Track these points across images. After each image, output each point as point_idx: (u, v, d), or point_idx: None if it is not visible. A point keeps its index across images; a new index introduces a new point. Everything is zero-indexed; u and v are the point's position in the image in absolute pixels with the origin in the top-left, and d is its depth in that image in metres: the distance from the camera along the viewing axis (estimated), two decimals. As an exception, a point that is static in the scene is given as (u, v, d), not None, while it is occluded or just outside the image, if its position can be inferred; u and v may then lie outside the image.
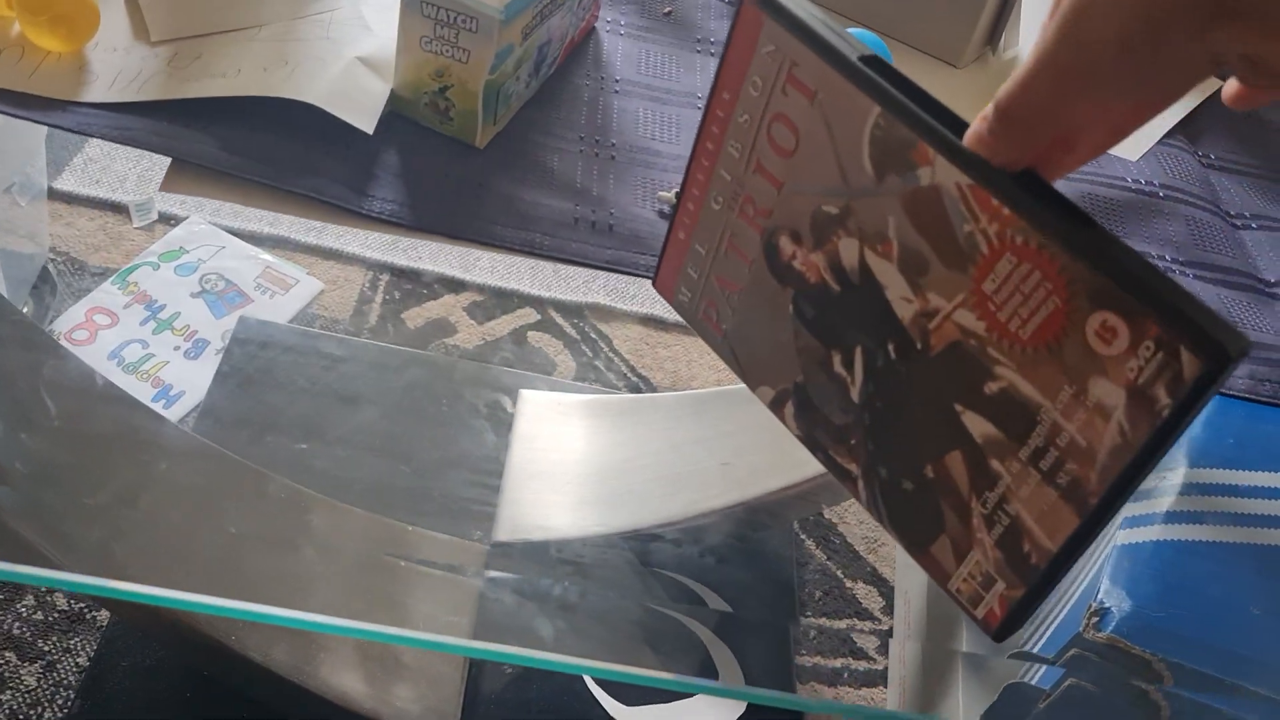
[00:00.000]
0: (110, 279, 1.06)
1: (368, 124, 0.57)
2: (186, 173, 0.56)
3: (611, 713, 1.05)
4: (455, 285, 1.18)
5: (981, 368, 0.41)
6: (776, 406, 0.49)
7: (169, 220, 1.12)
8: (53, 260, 1.06)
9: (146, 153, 0.56)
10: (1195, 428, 0.74)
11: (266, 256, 1.11)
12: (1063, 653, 0.75)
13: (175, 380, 1.01)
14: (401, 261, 1.17)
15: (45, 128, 0.57)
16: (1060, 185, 0.73)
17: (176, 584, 0.47)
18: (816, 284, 0.45)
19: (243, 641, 0.82)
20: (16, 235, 1.05)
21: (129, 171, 1.15)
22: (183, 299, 1.07)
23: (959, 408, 0.42)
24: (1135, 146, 0.72)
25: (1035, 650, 0.75)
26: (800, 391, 0.48)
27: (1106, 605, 0.66)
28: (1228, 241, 0.69)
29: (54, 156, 1.14)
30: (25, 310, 1.02)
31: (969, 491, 0.42)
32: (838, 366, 0.46)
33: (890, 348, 0.44)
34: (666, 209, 0.61)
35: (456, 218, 0.57)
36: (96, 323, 1.04)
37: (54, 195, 1.11)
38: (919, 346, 0.43)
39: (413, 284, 1.16)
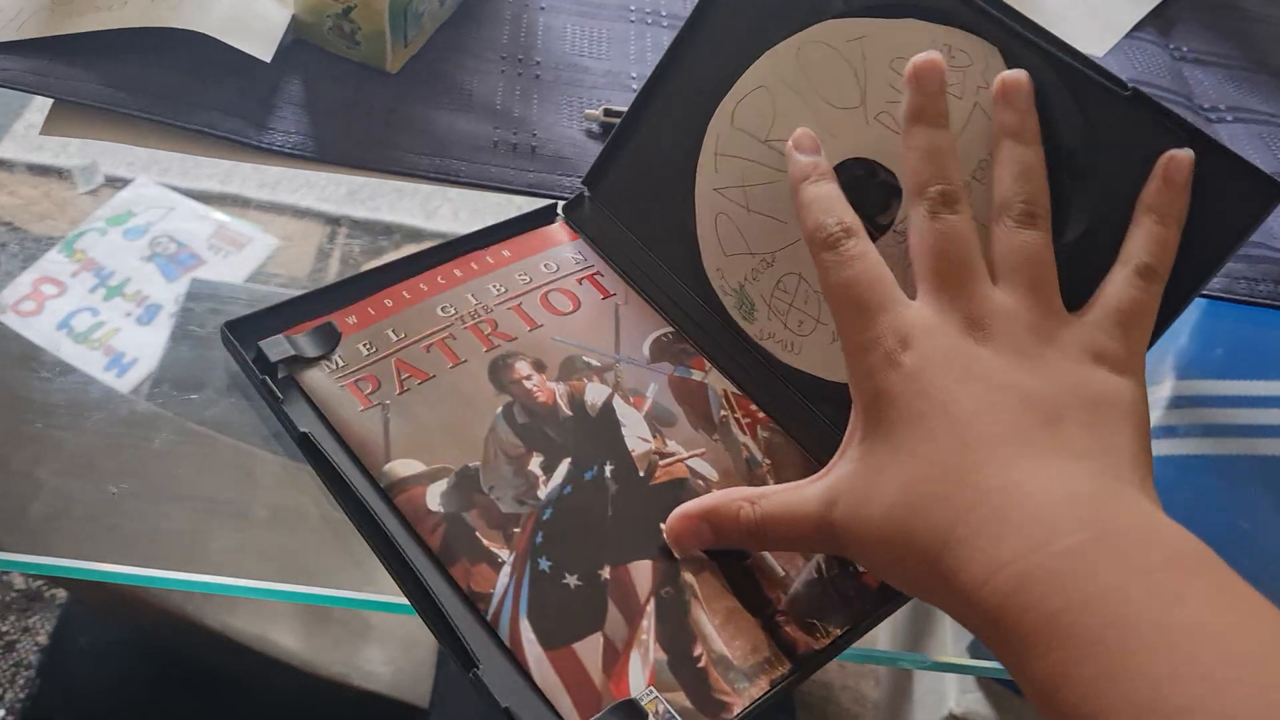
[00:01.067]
0: (56, 247, 1.02)
1: (266, 52, 0.54)
2: (69, 114, 0.53)
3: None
4: (416, 235, 1.14)
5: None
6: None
7: (116, 183, 1.09)
8: (-5, 231, 1.02)
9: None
10: (1182, 338, 0.70)
11: (218, 215, 1.07)
12: None
13: (127, 347, 0.98)
14: (360, 213, 1.13)
15: None
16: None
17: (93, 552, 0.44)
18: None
19: (200, 611, 0.80)
20: (-45, 207, 1.01)
21: (71, 135, 1.11)
22: (133, 263, 1.03)
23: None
24: (1102, 40, 0.68)
25: None
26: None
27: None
28: (1202, 135, 0.65)
29: (-9, 124, 1.10)
30: (-31, 283, 0.98)
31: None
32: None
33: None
34: (595, 127, 0.57)
35: (365, 147, 0.53)
36: (43, 293, 1.00)
37: (-7, 164, 1.07)
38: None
39: (372, 235, 1.12)
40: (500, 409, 0.46)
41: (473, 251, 0.50)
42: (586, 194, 0.52)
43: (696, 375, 0.46)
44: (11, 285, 1.02)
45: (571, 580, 0.42)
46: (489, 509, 0.43)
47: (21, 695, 0.86)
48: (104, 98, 0.52)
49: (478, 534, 0.43)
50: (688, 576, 0.41)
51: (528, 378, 0.47)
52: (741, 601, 0.41)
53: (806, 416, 0.45)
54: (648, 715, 0.37)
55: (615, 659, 0.40)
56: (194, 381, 0.87)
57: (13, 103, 1.20)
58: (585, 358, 0.47)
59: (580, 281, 0.49)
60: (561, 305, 0.48)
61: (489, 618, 0.41)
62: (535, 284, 0.49)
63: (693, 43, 0.47)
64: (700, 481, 0.43)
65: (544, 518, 0.44)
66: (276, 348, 0.46)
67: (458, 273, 0.50)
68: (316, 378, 0.46)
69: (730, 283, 0.48)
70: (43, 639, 0.89)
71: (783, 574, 0.42)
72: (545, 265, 0.50)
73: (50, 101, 0.53)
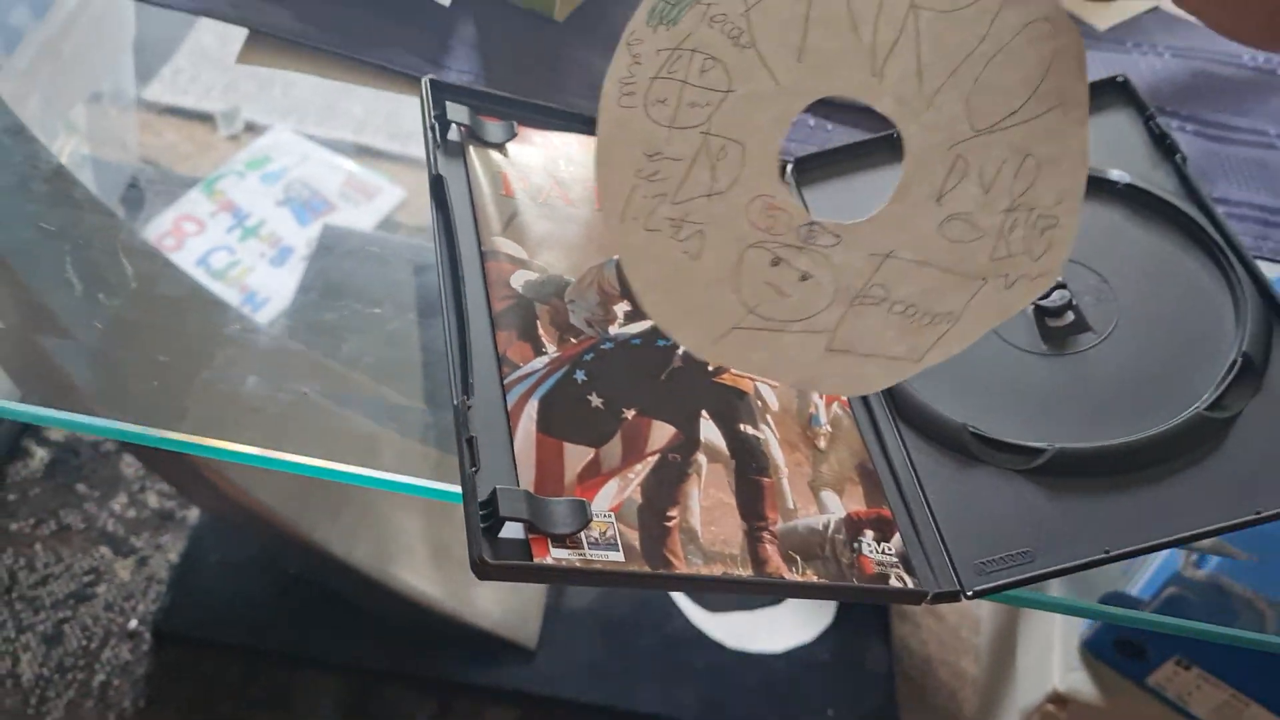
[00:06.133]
0: (197, 187, 1.07)
1: (443, -6, 0.56)
2: (262, 44, 0.55)
3: (693, 620, 1.04)
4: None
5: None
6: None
7: (255, 129, 1.13)
8: (141, 169, 1.07)
9: (231, 64, 0.56)
10: None
11: (350, 165, 1.11)
12: (1160, 591, 0.72)
13: (261, 286, 1.02)
14: (484, 171, 1.16)
15: (132, 35, 0.57)
16: (1172, 64, 0.68)
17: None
18: None
19: (326, 538, 0.83)
20: (106, 144, 1.06)
21: (215, 81, 1.15)
22: (268, 207, 1.07)
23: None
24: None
25: (1136, 590, 0.73)
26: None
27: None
28: (1354, 120, 0.64)
29: (142, 67, 1.14)
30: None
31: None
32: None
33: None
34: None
35: (532, 90, 0.55)
36: (184, 230, 1.05)
37: (142, 105, 1.12)
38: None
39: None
40: (616, 257, 0.47)
41: None
42: (791, 169, 0.54)
43: None
44: (155, 221, 1.06)
45: (595, 400, 0.42)
46: (559, 312, 0.44)
47: (153, 607, 0.91)
48: (295, 31, 0.55)
49: (538, 322, 0.44)
50: (700, 458, 0.42)
51: None
52: (738, 504, 0.41)
53: (887, 432, 0.45)
54: (591, 522, 0.37)
55: (594, 475, 0.40)
56: (323, 321, 0.91)
57: (160, 49, 1.25)
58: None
59: None
60: None
61: (505, 382, 0.41)
62: None
63: None
64: (759, 403, 0.44)
65: (601, 346, 0.44)
66: (458, 112, 0.48)
67: None
68: (481, 154, 0.48)
69: None
70: (174, 557, 0.93)
71: (792, 507, 0.42)
72: None
73: (245, 32, 0.56)
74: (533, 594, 0.99)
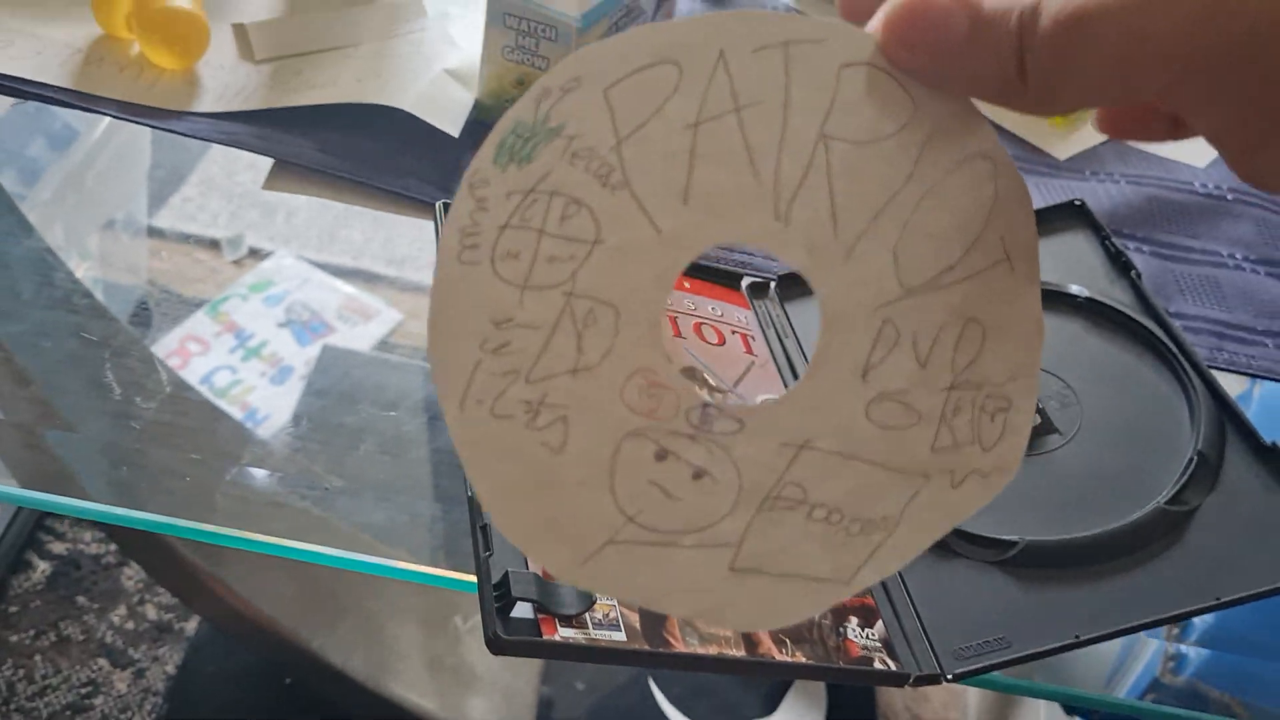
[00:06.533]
0: (203, 309, 1.11)
1: (454, 128, 0.61)
2: (287, 173, 0.60)
3: (684, 731, 1.05)
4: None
5: None
6: None
7: (258, 254, 1.17)
8: (150, 292, 1.11)
9: (237, 192, 0.60)
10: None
11: (349, 288, 1.15)
12: (1140, 698, 0.74)
13: (262, 404, 1.05)
14: (479, 294, 1.20)
15: (147, 166, 0.62)
16: (1128, 190, 0.74)
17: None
18: None
19: (324, 648, 0.85)
20: (117, 269, 1.10)
21: (222, 209, 1.20)
22: (270, 328, 1.11)
23: None
24: (1203, 152, 0.73)
25: (1122, 694, 0.75)
26: None
27: (1183, 649, 0.65)
28: (1299, 242, 0.69)
29: (153, 195, 1.20)
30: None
31: None
32: None
33: None
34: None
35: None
36: (189, 350, 1.08)
37: (152, 232, 1.17)
38: None
39: (489, 315, 1.19)
40: None
41: None
42: (775, 286, 0.57)
43: None
44: (161, 341, 1.10)
45: None
46: None
47: (149, 719, 0.91)
48: (318, 161, 0.59)
49: None
50: None
51: None
52: None
53: None
54: (595, 604, 0.40)
55: None
56: (323, 439, 0.94)
57: (171, 178, 1.31)
58: (706, 375, 0.52)
59: (734, 333, 0.55)
60: (709, 337, 0.53)
61: None
62: (697, 312, 0.54)
63: None
64: None
65: None
66: None
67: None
68: None
69: None
70: (170, 669, 0.94)
71: None
72: (712, 308, 0.55)
73: (271, 162, 0.60)
74: (524, 705, 1.00)
